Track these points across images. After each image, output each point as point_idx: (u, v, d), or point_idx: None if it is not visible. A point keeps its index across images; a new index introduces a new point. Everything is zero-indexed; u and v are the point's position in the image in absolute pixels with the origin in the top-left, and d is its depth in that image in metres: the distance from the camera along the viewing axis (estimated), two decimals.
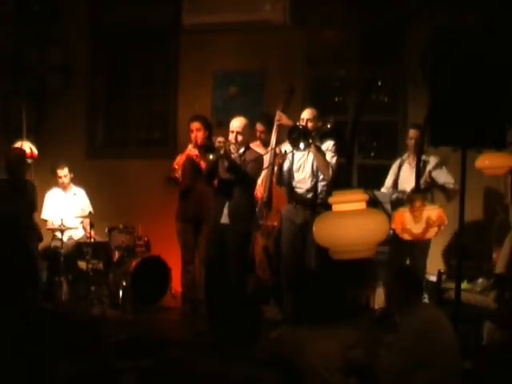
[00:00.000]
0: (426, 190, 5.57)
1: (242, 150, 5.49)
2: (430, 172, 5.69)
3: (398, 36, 6.52)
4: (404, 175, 5.85)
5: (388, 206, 5.63)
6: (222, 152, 5.32)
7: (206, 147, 5.46)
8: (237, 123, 5.49)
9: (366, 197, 2.51)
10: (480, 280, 5.39)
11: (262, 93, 6.92)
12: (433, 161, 5.69)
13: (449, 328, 3.40)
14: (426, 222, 3.17)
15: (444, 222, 3.25)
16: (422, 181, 5.62)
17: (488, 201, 6.27)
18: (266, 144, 6.00)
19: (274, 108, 5.87)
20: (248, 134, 5.58)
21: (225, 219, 5.49)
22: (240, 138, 5.45)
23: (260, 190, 5.84)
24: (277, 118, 5.72)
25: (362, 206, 2.48)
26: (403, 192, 5.68)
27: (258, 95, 6.93)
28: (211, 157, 5.34)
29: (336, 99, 7.31)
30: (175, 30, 7.11)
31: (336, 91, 7.30)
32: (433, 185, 5.71)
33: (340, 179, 5.43)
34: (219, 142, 5.36)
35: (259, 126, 6.14)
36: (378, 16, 6.35)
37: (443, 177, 5.68)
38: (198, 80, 7.08)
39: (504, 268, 5.13)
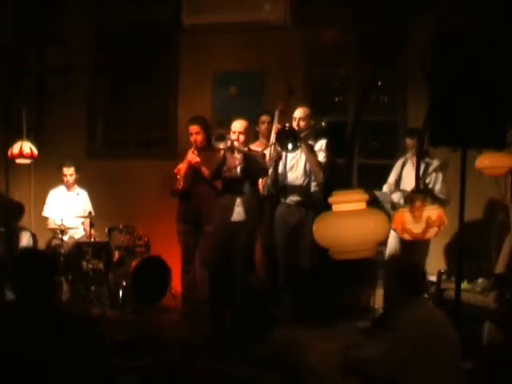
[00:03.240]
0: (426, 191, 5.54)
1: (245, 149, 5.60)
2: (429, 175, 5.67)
3: (398, 36, 6.52)
4: (406, 175, 5.81)
5: (388, 206, 5.63)
6: (229, 144, 5.42)
7: (218, 136, 5.45)
8: (238, 124, 5.59)
9: (366, 197, 2.51)
10: (480, 280, 5.40)
11: (261, 93, 6.92)
12: (435, 164, 5.66)
13: (450, 327, 3.37)
14: (426, 221, 3.17)
15: (444, 221, 3.25)
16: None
17: (488, 201, 6.27)
18: (269, 136, 5.95)
19: (274, 108, 5.87)
20: (249, 135, 5.65)
21: (237, 216, 5.53)
22: (242, 138, 5.55)
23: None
24: (271, 140, 5.68)
25: (362, 206, 2.49)
26: (404, 192, 5.67)
27: (257, 95, 6.93)
28: (221, 145, 5.41)
29: (336, 99, 7.32)
30: (175, 30, 7.10)
31: (336, 91, 7.30)
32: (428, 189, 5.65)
33: (340, 179, 5.43)
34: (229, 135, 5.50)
35: (265, 118, 6.10)
36: (378, 16, 6.35)
37: (438, 185, 5.64)
38: (198, 80, 7.08)
39: (504, 268, 5.14)
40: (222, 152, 5.50)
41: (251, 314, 5.38)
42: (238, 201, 5.55)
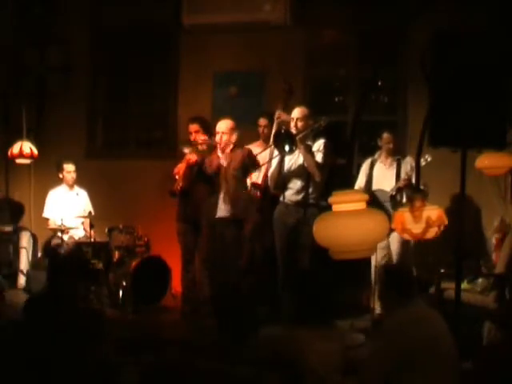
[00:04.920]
0: (405, 189, 5.59)
1: (229, 148, 5.66)
2: (407, 172, 5.69)
3: (398, 36, 6.53)
4: (378, 175, 5.84)
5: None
6: (190, 150, 5.82)
7: (184, 142, 5.92)
8: (222, 124, 5.66)
9: (366, 197, 2.51)
10: (480, 280, 5.39)
11: (261, 93, 6.92)
12: (409, 160, 5.71)
13: (444, 328, 3.33)
14: (426, 221, 3.17)
15: (444, 221, 3.25)
16: (400, 181, 5.65)
17: (488, 201, 6.27)
18: (267, 139, 5.98)
19: (274, 108, 5.88)
20: (232, 134, 5.66)
21: (221, 213, 5.57)
22: (225, 137, 5.61)
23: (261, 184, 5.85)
24: (276, 115, 5.74)
25: (362, 206, 2.49)
26: (384, 192, 5.69)
27: (257, 95, 6.93)
28: (186, 150, 5.84)
29: (336, 99, 7.32)
30: (175, 30, 7.11)
31: (336, 91, 7.30)
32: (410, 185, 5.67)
33: (340, 179, 5.43)
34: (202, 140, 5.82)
35: (262, 121, 6.13)
36: (378, 16, 6.36)
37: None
38: (198, 80, 7.09)
39: (504, 268, 5.13)
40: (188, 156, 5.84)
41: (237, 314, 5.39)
42: (223, 198, 5.58)
